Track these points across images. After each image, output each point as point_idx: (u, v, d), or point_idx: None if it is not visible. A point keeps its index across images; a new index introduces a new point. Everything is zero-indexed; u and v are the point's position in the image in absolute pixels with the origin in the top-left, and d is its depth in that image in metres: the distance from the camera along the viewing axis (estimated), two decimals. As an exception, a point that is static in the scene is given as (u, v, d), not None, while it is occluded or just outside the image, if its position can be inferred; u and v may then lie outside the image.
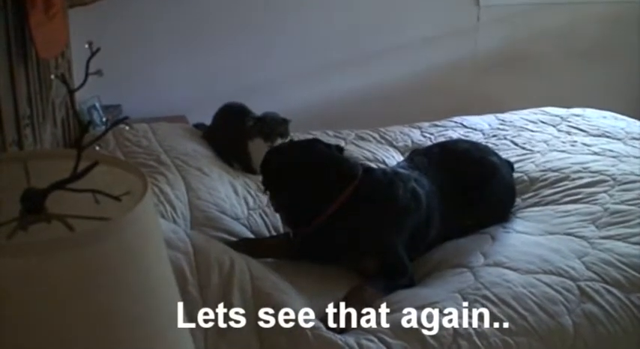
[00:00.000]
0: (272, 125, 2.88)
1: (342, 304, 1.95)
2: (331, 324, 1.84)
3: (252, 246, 2.22)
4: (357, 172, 2.28)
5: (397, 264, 2.18)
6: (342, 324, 1.87)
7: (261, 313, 1.76)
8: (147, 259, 0.85)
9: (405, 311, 1.90)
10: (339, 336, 1.77)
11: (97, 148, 0.87)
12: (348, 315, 1.91)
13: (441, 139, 3.25)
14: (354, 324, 1.89)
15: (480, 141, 3.21)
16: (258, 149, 2.87)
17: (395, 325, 1.83)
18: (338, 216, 2.21)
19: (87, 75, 0.85)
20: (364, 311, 1.96)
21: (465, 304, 1.91)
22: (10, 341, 0.79)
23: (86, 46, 0.87)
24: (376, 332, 1.81)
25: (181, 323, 0.92)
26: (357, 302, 1.98)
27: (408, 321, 1.83)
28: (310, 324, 1.76)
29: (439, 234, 2.34)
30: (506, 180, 2.59)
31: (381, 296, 2.04)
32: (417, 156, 2.65)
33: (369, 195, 2.25)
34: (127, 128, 2.75)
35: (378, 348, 1.75)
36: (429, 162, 2.53)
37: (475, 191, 2.46)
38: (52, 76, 2.10)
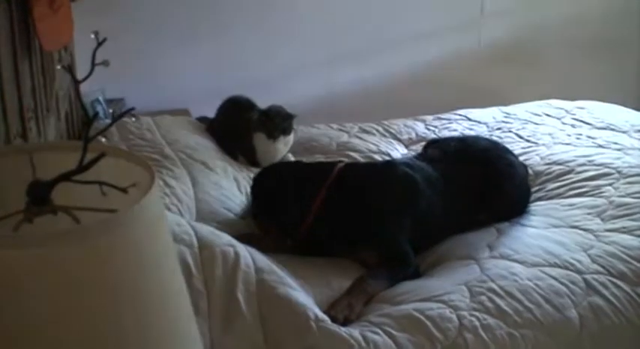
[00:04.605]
0: (276, 121, 2.87)
1: (346, 297, 1.96)
2: (335, 318, 1.83)
3: (254, 241, 2.21)
4: (334, 167, 2.33)
5: (398, 254, 2.18)
6: (346, 317, 1.87)
7: (265, 306, 1.76)
8: (153, 251, 0.85)
9: (410, 303, 1.90)
10: (343, 329, 1.76)
11: (103, 140, 0.86)
12: (352, 308, 1.91)
13: (445, 132, 3.25)
14: (357, 317, 1.89)
15: (484, 133, 3.20)
16: (262, 143, 2.86)
17: (400, 317, 1.83)
18: (325, 211, 2.23)
19: (93, 65, 0.84)
20: (367, 303, 1.97)
21: (471, 296, 1.91)
22: (16, 334, 0.78)
23: (92, 35, 0.86)
24: (381, 325, 1.81)
25: (188, 315, 0.92)
26: (360, 294, 1.98)
27: (414, 314, 1.83)
28: (315, 317, 1.76)
29: (448, 226, 2.32)
30: (522, 181, 2.57)
31: (385, 288, 2.04)
32: (432, 148, 2.67)
33: (352, 186, 2.28)
34: (133, 119, 2.74)
35: (383, 341, 1.74)
36: (444, 154, 2.53)
37: (492, 189, 2.44)
38: (59, 67, 2.09)
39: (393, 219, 2.24)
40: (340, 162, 2.45)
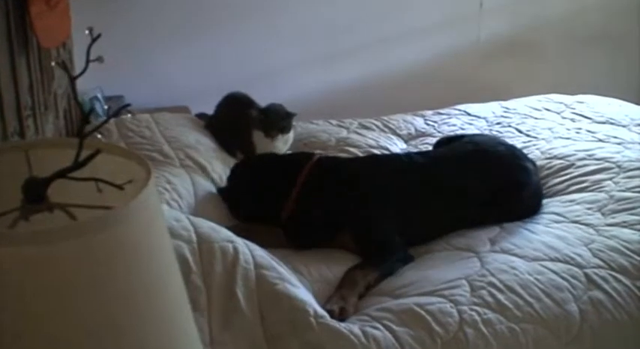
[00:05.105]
0: (274, 119, 2.86)
1: (337, 290, 1.97)
2: (331, 311, 1.83)
3: (248, 232, 2.22)
4: (310, 156, 2.42)
5: (376, 237, 2.21)
6: (342, 309, 1.87)
7: (264, 302, 1.76)
8: (150, 247, 0.85)
9: (411, 297, 1.90)
10: (343, 325, 1.76)
11: (99, 136, 0.86)
12: (345, 300, 1.92)
13: (445, 127, 3.24)
14: (354, 308, 1.90)
15: (483, 128, 3.19)
16: (261, 140, 2.86)
17: (400, 312, 1.83)
18: (304, 198, 2.31)
19: (87, 61, 0.84)
20: (363, 295, 1.99)
21: (471, 291, 1.91)
22: (12, 331, 0.78)
23: (86, 32, 0.86)
24: (381, 319, 1.81)
25: (186, 312, 0.91)
26: (351, 285, 2.00)
27: (414, 308, 1.83)
28: (314, 313, 1.76)
29: (449, 224, 2.32)
30: (537, 188, 2.53)
31: (377, 276, 2.06)
32: (444, 147, 2.69)
33: (329, 174, 2.36)
34: (129, 116, 2.74)
35: (383, 335, 1.74)
36: (456, 155, 2.53)
37: (507, 196, 2.40)
38: (53, 63, 2.09)
39: (370, 204, 2.28)
40: (315, 154, 2.51)
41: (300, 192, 2.33)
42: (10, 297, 0.77)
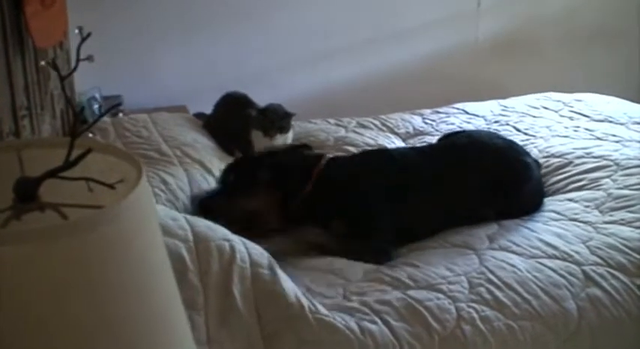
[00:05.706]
0: (273, 119, 2.86)
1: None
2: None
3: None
4: (321, 156, 2.45)
5: (368, 225, 2.24)
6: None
7: (260, 300, 1.76)
8: (142, 247, 0.84)
9: (410, 290, 1.90)
10: (339, 319, 1.76)
11: (90, 135, 0.85)
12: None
13: (443, 126, 3.23)
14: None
15: (481, 127, 3.19)
16: (259, 140, 2.86)
17: (398, 307, 1.83)
18: (313, 198, 2.33)
19: (78, 60, 0.84)
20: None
21: (470, 288, 1.91)
22: (5, 330, 0.78)
23: (76, 31, 0.86)
24: (379, 314, 1.81)
25: (178, 311, 0.91)
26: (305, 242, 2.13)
27: (413, 303, 1.83)
28: (310, 310, 1.76)
29: (446, 219, 2.32)
30: (538, 183, 2.53)
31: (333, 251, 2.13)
32: (444, 142, 2.70)
33: (337, 173, 2.39)
34: (121, 115, 2.73)
35: (379, 330, 1.75)
36: (455, 149, 2.54)
37: (506, 191, 2.41)
38: (42, 62, 2.09)
39: (370, 203, 2.28)
40: (323, 156, 2.52)
41: (309, 193, 2.35)
42: (1, 296, 0.77)
